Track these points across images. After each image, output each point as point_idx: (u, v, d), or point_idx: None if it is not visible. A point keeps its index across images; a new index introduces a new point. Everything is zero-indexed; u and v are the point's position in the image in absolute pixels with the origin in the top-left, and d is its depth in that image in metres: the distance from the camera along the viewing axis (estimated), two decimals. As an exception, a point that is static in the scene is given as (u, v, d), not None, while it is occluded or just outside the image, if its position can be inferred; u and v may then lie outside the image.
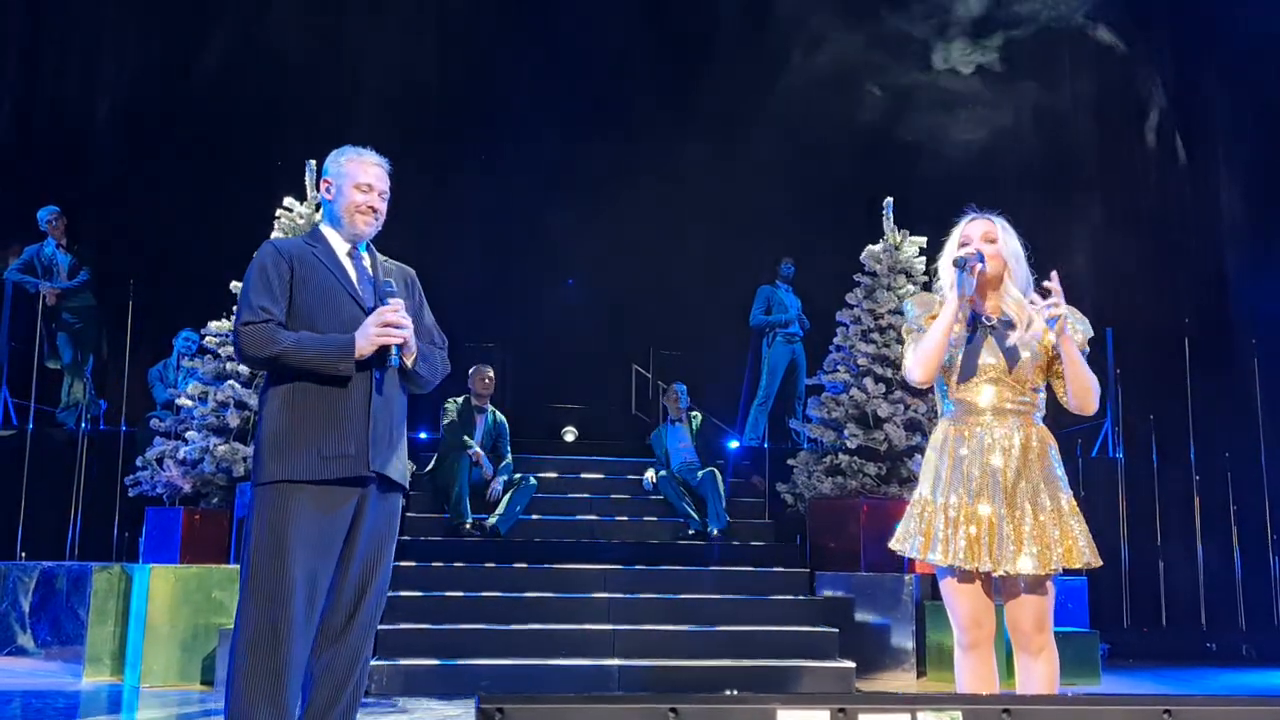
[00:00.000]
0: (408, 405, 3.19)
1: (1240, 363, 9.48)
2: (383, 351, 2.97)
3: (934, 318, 3.09)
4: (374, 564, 3.02)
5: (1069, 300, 3.03)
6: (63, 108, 10.06)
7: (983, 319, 3.07)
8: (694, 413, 8.33)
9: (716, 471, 7.68)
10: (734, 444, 8.22)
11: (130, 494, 6.73)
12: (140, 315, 8.30)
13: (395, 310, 2.98)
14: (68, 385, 8.91)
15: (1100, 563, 2.98)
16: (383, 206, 3.15)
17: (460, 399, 7.72)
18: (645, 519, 7.81)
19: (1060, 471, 3.03)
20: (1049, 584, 2.98)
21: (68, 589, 6.75)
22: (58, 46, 10.21)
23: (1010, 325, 3.05)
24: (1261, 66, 9.89)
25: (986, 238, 3.05)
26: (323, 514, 2.90)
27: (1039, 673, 2.98)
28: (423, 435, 8.50)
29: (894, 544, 3.12)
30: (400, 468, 3.08)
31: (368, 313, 3.01)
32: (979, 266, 2.99)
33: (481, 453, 7.50)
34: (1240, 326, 9.72)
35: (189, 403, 6.62)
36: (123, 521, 7.59)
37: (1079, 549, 2.95)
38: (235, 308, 2.99)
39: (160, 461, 6.57)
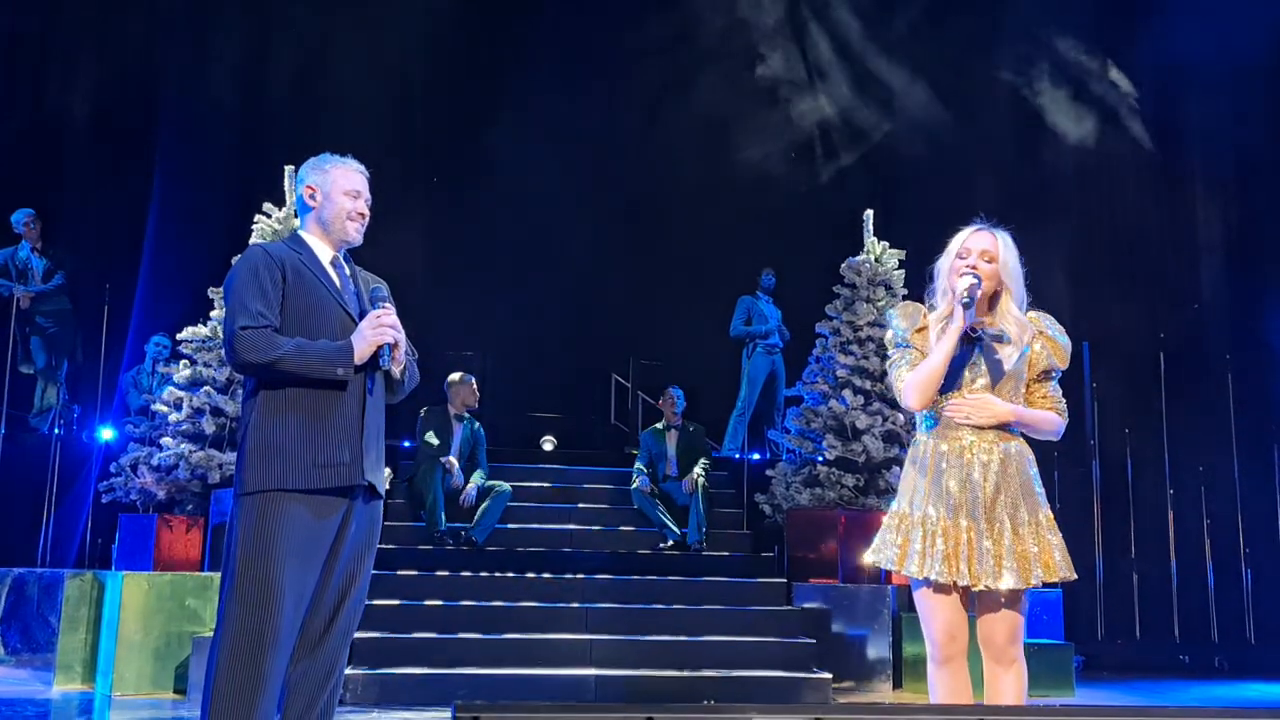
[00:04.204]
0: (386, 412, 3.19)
1: (1214, 378, 9.57)
2: (373, 355, 2.98)
3: (920, 331, 3.09)
4: (355, 573, 3.00)
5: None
6: (39, 110, 9.98)
7: (970, 331, 3.07)
8: (688, 423, 8.19)
9: (705, 484, 7.67)
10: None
11: (103, 500, 6.66)
12: (115, 320, 8.23)
13: (389, 313, 3.01)
14: (41, 390, 8.82)
15: (1076, 576, 2.99)
16: (368, 213, 3.17)
17: (440, 407, 7.68)
18: (623, 529, 7.80)
19: (1038, 486, 3.04)
20: (1024, 598, 2.99)
21: (39, 596, 6.67)
22: (33, 49, 10.13)
23: (998, 339, 3.05)
24: (1238, 87, 10.01)
25: (985, 256, 3.03)
26: (312, 522, 2.88)
27: (1009, 685, 2.99)
28: (406, 444, 8.45)
29: (869, 555, 3.11)
30: (383, 476, 3.08)
31: (355, 320, 3.03)
32: (978, 294, 2.99)
33: (454, 461, 7.47)
34: (1214, 343, 9.82)
35: (164, 409, 6.56)
36: (95, 528, 7.52)
37: (1056, 563, 2.95)
38: (226, 311, 2.95)
39: (134, 468, 6.50)
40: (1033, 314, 3.12)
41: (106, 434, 7.88)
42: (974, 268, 3.01)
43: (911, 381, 3.04)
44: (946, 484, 2.99)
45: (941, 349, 2.99)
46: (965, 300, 2.96)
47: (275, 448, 2.88)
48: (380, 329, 2.97)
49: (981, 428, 3.00)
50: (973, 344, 3.06)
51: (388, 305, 3.04)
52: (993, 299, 3.07)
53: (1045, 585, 2.98)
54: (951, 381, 3.03)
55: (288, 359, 2.88)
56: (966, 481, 2.98)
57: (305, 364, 2.89)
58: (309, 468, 2.88)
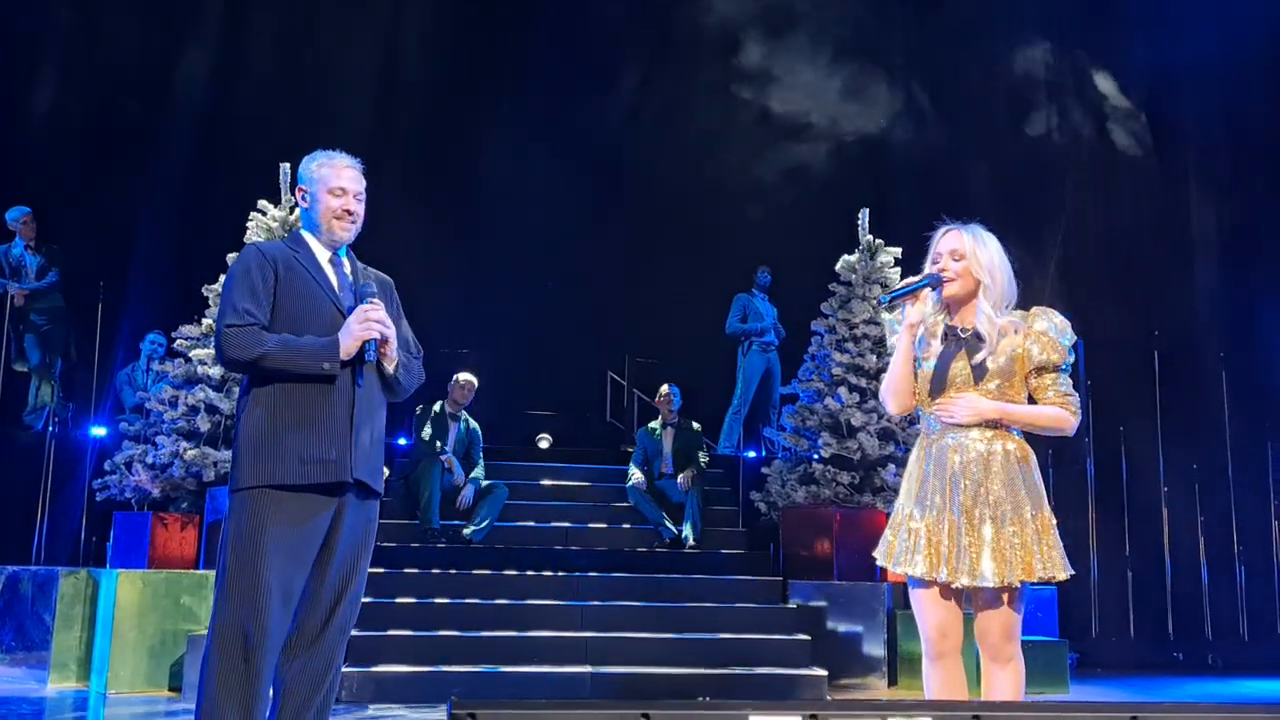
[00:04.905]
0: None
1: (1208, 377, 9.60)
2: (360, 350, 2.96)
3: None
4: (351, 571, 2.99)
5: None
6: (33, 108, 9.95)
7: (958, 330, 3.08)
8: (684, 420, 8.16)
9: (700, 482, 7.66)
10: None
11: (98, 498, 6.65)
12: (109, 317, 8.21)
13: (376, 308, 2.98)
14: (35, 387, 8.80)
15: (1067, 575, 2.95)
16: (359, 208, 3.11)
17: (436, 404, 7.67)
18: (619, 526, 7.80)
19: (1030, 485, 2.99)
20: (1018, 595, 2.98)
21: (33, 594, 6.65)
22: (29, 46, 10.10)
23: (982, 338, 3.06)
24: (1231, 82, 10.04)
25: (954, 255, 3.05)
26: (299, 520, 2.88)
27: (1006, 681, 2.99)
28: (401, 442, 8.45)
29: (875, 553, 3.17)
30: (378, 475, 3.07)
31: (348, 316, 3.00)
32: (927, 292, 3.04)
33: (453, 459, 7.47)
34: (1208, 341, 9.85)
35: (159, 406, 6.55)
36: (90, 525, 7.50)
37: (1040, 562, 2.92)
38: (218, 310, 2.95)
39: (129, 465, 6.49)
40: (1035, 309, 3.11)
41: (101, 431, 7.87)
42: (942, 269, 3.05)
43: (882, 389, 3.17)
44: (931, 482, 3.02)
45: (898, 352, 3.08)
46: (888, 297, 3.08)
47: (264, 445, 2.88)
48: (366, 324, 2.94)
49: (969, 426, 3.01)
50: (959, 343, 3.07)
51: (375, 300, 3.00)
52: (969, 298, 3.08)
53: (1025, 582, 2.96)
54: (940, 382, 3.05)
55: (272, 355, 2.87)
56: (950, 480, 2.99)
57: (291, 360, 2.88)
58: (295, 464, 2.87)
